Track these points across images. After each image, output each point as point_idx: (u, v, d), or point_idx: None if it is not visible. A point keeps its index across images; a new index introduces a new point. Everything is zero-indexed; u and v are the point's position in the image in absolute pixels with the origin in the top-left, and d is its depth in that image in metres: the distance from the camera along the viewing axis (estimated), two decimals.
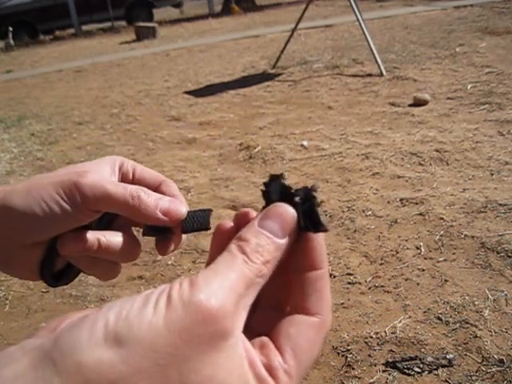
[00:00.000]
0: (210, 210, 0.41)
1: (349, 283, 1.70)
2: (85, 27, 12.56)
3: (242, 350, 0.24)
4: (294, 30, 5.00)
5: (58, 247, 0.40)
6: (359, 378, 1.33)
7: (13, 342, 1.63)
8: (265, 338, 0.26)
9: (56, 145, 3.69)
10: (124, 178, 0.43)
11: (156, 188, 0.42)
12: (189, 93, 4.67)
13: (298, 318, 0.27)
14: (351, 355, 1.40)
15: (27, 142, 3.82)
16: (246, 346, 0.25)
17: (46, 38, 11.71)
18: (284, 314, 0.28)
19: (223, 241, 0.29)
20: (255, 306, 0.30)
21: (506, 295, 1.54)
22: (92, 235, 0.40)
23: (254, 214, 0.31)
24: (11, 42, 10.66)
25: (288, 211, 0.28)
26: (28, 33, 11.73)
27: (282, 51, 5.09)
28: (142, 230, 0.42)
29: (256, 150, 2.98)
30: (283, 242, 0.27)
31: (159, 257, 2.02)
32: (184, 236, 0.43)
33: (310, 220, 0.29)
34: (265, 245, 0.26)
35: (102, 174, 0.41)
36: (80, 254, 0.41)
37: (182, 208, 0.40)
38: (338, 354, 1.41)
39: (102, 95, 5.10)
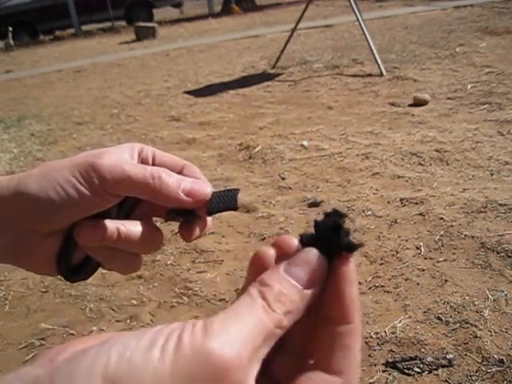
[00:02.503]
0: (237, 190, 0.38)
1: None
2: (85, 27, 12.56)
3: None
4: (293, 30, 5.00)
5: (75, 235, 0.37)
6: (359, 377, 1.33)
7: (12, 342, 1.63)
8: None
9: (56, 145, 3.68)
10: (143, 163, 0.40)
11: (178, 172, 0.39)
12: (189, 93, 4.67)
13: (318, 376, 0.25)
14: None
15: (27, 142, 3.82)
16: None
17: (45, 38, 11.71)
18: (306, 367, 0.26)
19: (261, 270, 0.27)
20: (278, 351, 0.28)
21: (506, 295, 1.54)
22: (111, 224, 0.38)
23: (295, 242, 0.28)
24: (11, 42, 10.66)
25: (318, 258, 0.26)
26: (28, 33, 11.73)
27: (282, 51, 5.09)
28: (164, 217, 0.40)
29: (256, 150, 2.98)
30: (309, 292, 0.25)
31: (158, 256, 2.02)
32: (209, 219, 0.40)
33: (336, 244, 0.26)
34: (288, 293, 0.24)
35: (120, 156, 0.38)
36: (98, 244, 0.38)
37: (206, 188, 0.37)
38: None
39: (101, 95, 5.10)
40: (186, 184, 0.36)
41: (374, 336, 1.45)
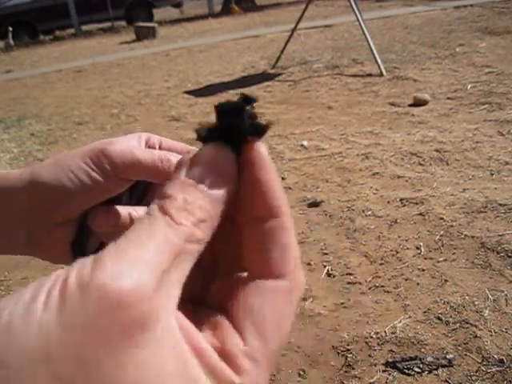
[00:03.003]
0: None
1: (349, 283, 1.70)
2: (85, 27, 12.57)
3: (180, 338, 0.18)
4: (293, 30, 5.00)
5: (89, 221, 0.39)
6: (359, 378, 1.33)
7: None
8: (218, 316, 0.21)
9: (56, 145, 3.68)
10: None
11: None
12: (189, 93, 4.67)
13: (259, 284, 0.21)
14: (351, 355, 1.40)
15: (27, 142, 3.82)
16: (187, 330, 0.19)
17: (45, 38, 11.72)
18: (245, 280, 0.22)
19: None
20: (212, 273, 0.25)
21: (506, 295, 1.54)
22: (123, 209, 0.39)
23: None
24: (11, 42, 10.66)
25: (222, 152, 0.21)
26: (28, 33, 11.73)
27: (282, 51, 5.09)
28: None
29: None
30: (220, 193, 0.21)
31: None
32: None
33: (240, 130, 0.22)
34: (195, 200, 0.20)
35: (128, 143, 0.39)
36: (112, 229, 0.38)
37: None
38: (338, 353, 1.41)
39: (101, 95, 5.10)
40: None
41: (373, 336, 1.45)
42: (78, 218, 0.39)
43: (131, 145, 0.39)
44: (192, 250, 0.19)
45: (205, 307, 0.22)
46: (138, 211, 0.40)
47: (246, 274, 0.22)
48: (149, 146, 0.41)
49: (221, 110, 0.22)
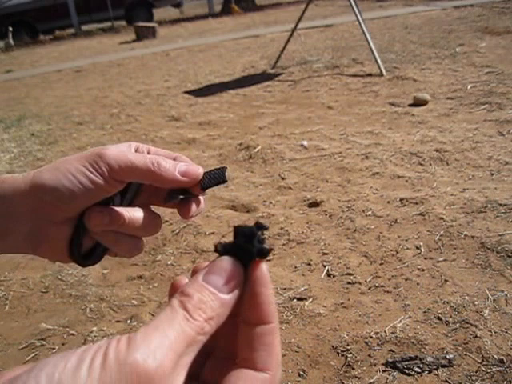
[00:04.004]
0: (224, 167, 0.44)
1: (349, 283, 1.70)
2: (85, 27, 12.57)
3: None
4: (293, 30, 5.00)
5: (86, 220, 0.42)
6: (359, 378, 1.33)
7: (12, 342, 1.63)
8: None
9: (56, 145, 3.68)
10: None
11: None
12: (189, 93, 4.67)
13: (245, 373, 0.26)
14: (351, 355, 1.40)
15: (27, 142, 3.82)
16: None
17: (45, 38, 11.72)
18: (234, 367, 0.27)
19: None
20: (207, 356, 0.30)
21: (506, 295, 1.54)
22: (116, 210, 0.43)
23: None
24: (11, 41, 10.66)
25: (233, 265, 0.27)
26: (28, 33, 11.73)
27: (282, 51, 5.09)
28: (164, 200, 0.45)
29: (256, 149, 2.98)
30: (228, 297, 0.26)
31: (159, 256, 2.02)
32: (202, 199, 0.46)
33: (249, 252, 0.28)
34: (208, 301, 0.25)
35: (122, 148, 0.43)
36: (106, 228, 0.42)
37: (198, 168, 0.43)
38: (338, 353, 1.41)
39: (101, 95, 5.10)
40: (181, 166, 0.42)
41: (373, 336, 1.45)
42: (76, 218, 0.42)
43: (124, 150, 0.43)
44: (200, 340, 0.25)
45: (198, 382, 0.27)
46: (129, 212, 0.44)
47: (236, 362, 0.28)
48: (138, 152, 0.45)
49: (238, 231, 0.29)
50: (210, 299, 0.25)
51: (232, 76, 5.12)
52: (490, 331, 1.41)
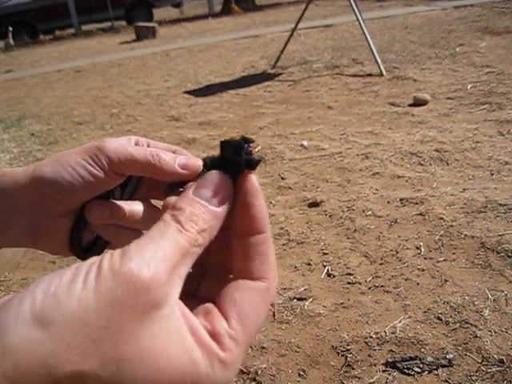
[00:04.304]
0: None
1: (349, 283, 1.70)
2: (85, 27, 12.57)
3: (180, 318, 0.23)
4: (293, 30, 5.00)
5: (86, 214, 0.42)
6: (359, 378, 1.33)
7: None
8: (209, 305, 0.26)
9: (56, 145, 3.68)
10: None
11: None
12: (189, 93, 4.67)
13: (242, 283, 0.27)
14: (351, 355, 1.40)
15: (27, 142, 3.82)
16: (186, 313, 0.24)
17: (45, 38, 11.72)
18: (230, 281, 0.27)
19: None
20: (203, 275, 0.31)
21: (506, 295, 1.54)
22: (116, 203, 0.43)
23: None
24: (11, 41, 10.66)
25: (222, 178, 0.27)
26: (28, 33, 11.73)
27: (282, 51, 5.09)
28: (163, 194, 0.45)
29: (256, 149, 2.98)
30: (219, 209, 0.26)
31: None
32: None
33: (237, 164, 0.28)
34: (200, 213, 0.26)
35: (121, 142, 0.43)
36: (106, 222, 0.43)
37: (197, 161, 0.42)
38: (338, 353, 1.41)
39: (101, 95, 5.10)
40: (180, 159, 0.41)
41: (373, 336, 1.45)
42: (76, 211, 0.42)
43: (124, 143, 0.43)
44: (195, 251, 0.25)
45: (195, 300, 0.27)
46: (130, 205, 0.44)
47: (231, 276, 0.28)
48: (137, 145, 0.45)
49: (225, 145, 0.28)
50: (202, 212, 0.26)
51: (232, 76, 5.12)
52: (490, 331, 1.41)
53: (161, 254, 0.23)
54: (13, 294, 0.23)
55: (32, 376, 0.19)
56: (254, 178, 0.28)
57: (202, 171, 0.29)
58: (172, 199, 0.30)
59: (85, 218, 0.42)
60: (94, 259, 0.23)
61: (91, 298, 0.21)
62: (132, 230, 0.45)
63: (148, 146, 0.45)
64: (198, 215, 0.25)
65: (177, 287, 0.24)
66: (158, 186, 0.46)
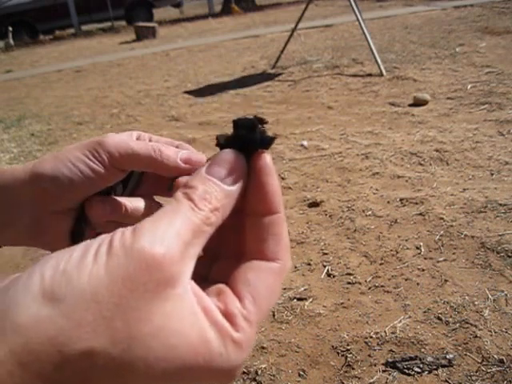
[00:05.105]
0: None
1: (349, 283, 1.70)
2: (84, 27, 12.57)
3: (193, 297, 0.23)
4: (293, 30, 5.00)
5: (87, 210, 0.41)
6: (359, 378, 1.33)
7: None
8: (222, 285, 0.25)
9: (56, 145, 3.68)
10: None
11: None
12: (189, 93, 4.67)
13: (256, 264, 0.26)
14: (351, 355, 1.40)
15: (27, 142, 3.82)
16: (199, 293, 0.23)
17: (45, 38, 11.72)
18: (243, 261, 0.27)
19: None
20: (215, 257, 0.30)
21: (506, 295, 1.54)
22: (117, 200, 0.42)
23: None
24: (11, 41, 10.66)
25: (236, 156, 0.27)
26: (28, 33, 11.73)
27: (282, 51, 5.09)
28: (167, 190, 0.44)
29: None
30: (232, 188, 0.26)
31: None
32: None
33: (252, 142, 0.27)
34: (212, 192, 0.25)
35: (123, 137, 0.42)
36: (108, 218, 0.42)
37: (201, 155, 0.41)
38: (338, 353, 1.41)
39: (101, 95, 5.10)
40: (183, 153, 0.40)
41: (373, 336, 1.45)
42: (77, 208, 0.41)
43: (125, 138, 0.42)
44: (207, 230, 0.24)
45: (207, 282, 0.26)
46: (132, 202, 0.43)
47: (244, 257, 0.27)
48: (139, 140, 0.44)
49: (238, 123, 0.27)
50: (215, 190, 0.25)
51: (232, 76, 5.12)
52: (490, 331, 1.41)
53: (173, 231, 0.22)
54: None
55: (41, 353, 0.19)
56: (268, 157, 0.27)
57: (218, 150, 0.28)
58: (183, 179, 0.30)
59: (86, 214, 0.42)
60: (104, 236, 0.22)
61: (102, 275, 0.20)
62: None
63: (150, 141, 0.44)
64: (211, 193, 0.25)
65: (189, 266, 0.23)
66: (161, 182, 0.45)
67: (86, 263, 0.20)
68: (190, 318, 0.22)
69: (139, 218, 0.43)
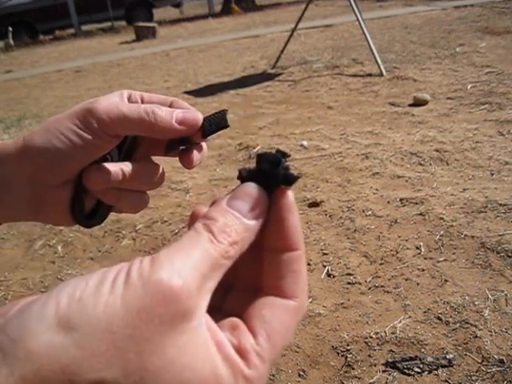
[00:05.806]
0: (225, 110, 0.41)
1: (349, 283, 1.70)
2: (84, 27, 12.57)
3: (207, 331, 0.22)
4: (293, 30, 5.00)
5: (84, 180, 0.40)
6: (359, 378, 1.33)
7: None
8: (236, 320, 0.25)
9: None
10: None
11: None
12: (189, 93, 4.67)
13: (272, 300, 0.26)
14: (351, 355, 1.39)
15: None
16: (213, 327, 0.23)
17: (45, 38, 11.72)
18: (259, 296, 0.26)
19: None
20: (229, 289, 0.29)
21: (506, 295, 1.54)
22: (114, 165, 0.41)
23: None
24: (11, 42, 10.66)
25: (259, 191, 0.26)
26: (28, 33, 11.73)
27: (282, 51, 5.09)
28: (164, 152, 0.43)
29: (255, 149, 2.98)
30: (253, 223, 0.25)
31: None
32: (205, 145, 0.43)
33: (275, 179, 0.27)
34: (233, 225, 0.24)
35: (113, 100, 0.40)
36: (106, 186, 0.41)
37: (197, 114, 0.39)
38: (338, 353, 1.41)
39: (101, 95, 5.08)
40: (177, 113, 0.38)
41: (373, 336, 1.45)
42: (74, 179, 0.40)
43: (116, 101, 0.40)
44: (225, 264, 0.24)
45: (220, 314, 0.26)
46: (128, 166, 0.42)
47: (260, 292, 0.27)
48: (131, 101, 0.42)
49: (262, 158, 0.27)
50: (235, 223, 0.24)
51: (232, 76, 5.12)
52: (490, 331, 1.41)
53: (191, 263, 0.22)
54: (34, 295, 0.22)
55: (52, 381, 0.19)
56: (291, 195, 0.27)
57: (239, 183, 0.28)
58: (201, 209, 0.29)
59: (84, 185, 0.41)
60: (122, 265, 0.22)
61: (118, 305, 0.20)
62: (135, 192, 0.43)
63: (142, 101, 0.42)
64: (231, 226, 0.24)
65: (205, 299, 0.23)
66: (158, 142, 0.44)
67: (102, 292, 0.20)
68: (203, 352, 0.22)
69: (139, 180, 0.42)
